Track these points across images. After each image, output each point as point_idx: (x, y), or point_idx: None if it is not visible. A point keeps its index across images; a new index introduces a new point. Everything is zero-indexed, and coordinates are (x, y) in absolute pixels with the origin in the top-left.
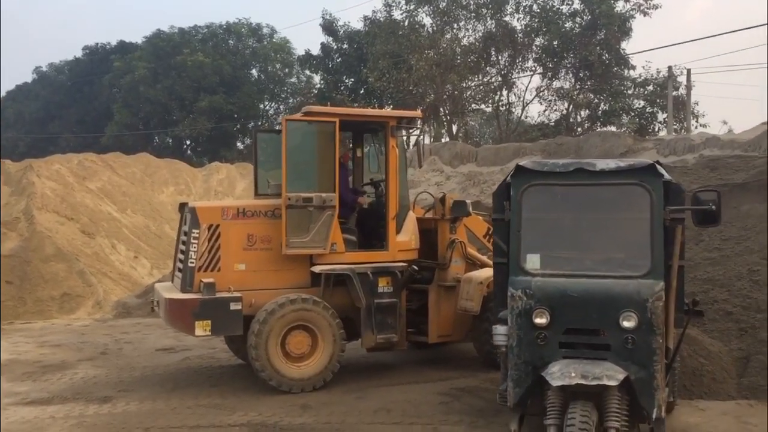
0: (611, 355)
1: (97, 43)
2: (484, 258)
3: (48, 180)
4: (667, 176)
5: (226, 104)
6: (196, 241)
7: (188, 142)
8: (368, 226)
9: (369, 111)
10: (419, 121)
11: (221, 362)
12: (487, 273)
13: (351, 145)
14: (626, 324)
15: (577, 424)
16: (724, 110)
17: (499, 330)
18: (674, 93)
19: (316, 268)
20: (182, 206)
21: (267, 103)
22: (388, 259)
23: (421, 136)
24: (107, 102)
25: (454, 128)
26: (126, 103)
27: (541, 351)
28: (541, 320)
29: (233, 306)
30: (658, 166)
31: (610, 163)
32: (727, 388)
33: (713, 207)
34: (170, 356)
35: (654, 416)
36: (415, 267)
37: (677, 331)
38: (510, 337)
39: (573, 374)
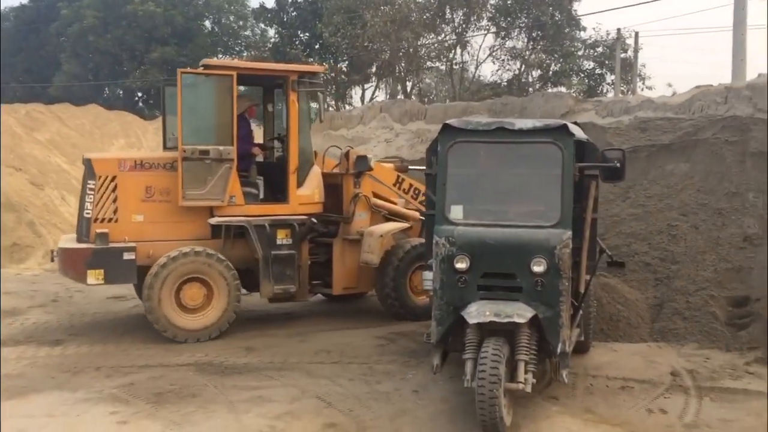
0: (523, 296)
1: None
2: (395, 206)
3: None
4: (581, 136)
5: (178, 56)
6: (92, 192)
7: (140, 95)
8: (273, 180)
9: (269, 65)
10: (322, 76)
11: None
12: (388, 227)
13: (263, 100)
14: (536, 269)
15: (489, 356)
16: (670, 73)
17: (427, 275)
18: (622, 55)
19: (212, 220)
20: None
21: (221, 55)
22: (288, 212)
23: (326, 91)
24: (55, 51)
25: (409, 86)
26: (74, 52)
27: (461, 293)
28: (461, 265)
29: (126, 256)
30: (571, 126)
31: (527, 123)
32: (641, 333)
33: (618, 164)
34: (121, 304)
35: (559, 350)
36: (314, 220)
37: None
38: (434, 280)
39: (488, 313)
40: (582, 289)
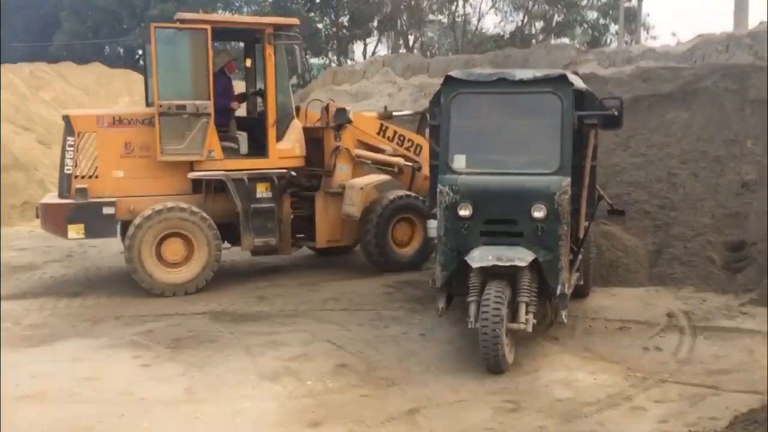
0: (523, 241)
1: None
2: (380, 156)
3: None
4: (580, 85)
5: (178, 12)
6: (72, 149)
7: (140, 52)
8: (255, 135)
9: (244, 18)
10: (297, 29)
11: None
12: (369, 179)
13: (244, 55)
14: (536, 214)
15: (492, 298)
16: (674, 23)
17: (432, 224)
18: (626, 4)
19: (191, 175)
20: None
21: (220, 11)
22: (268, 166)
23: (301, 45)
24: (54, 9)
25: (411, 39)
26: (74, 10)
27: (464, 239)
28: (464, 212)
29: (106, 210)
30: (570, 76)
31: (527, 74)
32: (640, 278)
33: (615, 112)
34: None
35: (558, 292)
36: (293, 173)
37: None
38: (439, 227)
39: (490, 257)
40: (581, 235)
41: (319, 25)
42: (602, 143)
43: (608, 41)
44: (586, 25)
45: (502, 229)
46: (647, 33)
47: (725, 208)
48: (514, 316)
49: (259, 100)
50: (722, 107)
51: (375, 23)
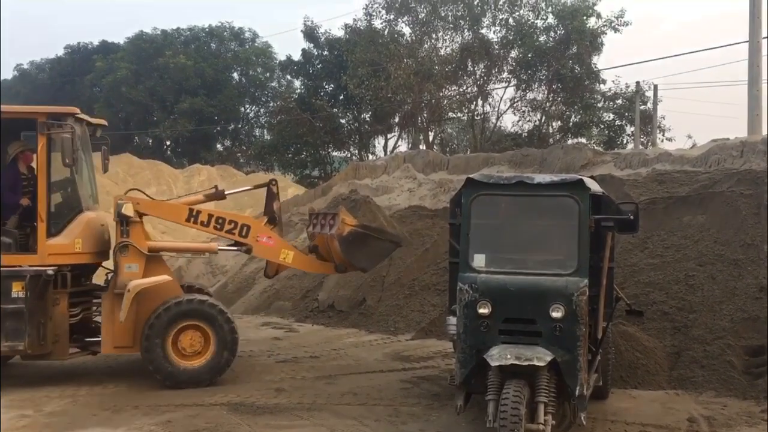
0: (542, 340)
1: (79, 43)
2: (183, 245)
3: None
4: (596, 189)
5: (207, 106)
6: None
7: (168, 143)
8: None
9: (17, 107)
10: (73, 118)
11: None
12: (140, 281)
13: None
14: (555, 314)
15: (511, 398)
16: (689, 125)
17: (451, 321)
18: (641, 107)
19: None
20: None
21: (247, 106)
22: (37, 262)
23: (107, 143)
24: (88, 101)
25: (431, 136)
26: (107, 102)
27: (483, 337)
28: (484, 310)
29: None
30: (586, 181)
31: (546, 177)
32: (659, 380)
33: (631, 217)
34: None
35: (576, 393)
36: (50, 272)
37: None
38: (458, 325)
39: (509, 356)
40: (600, 335)
41: (342, 120)
42: (620, 243)
43: (624, 142)
44: (602, 126)
45: (520, 328)
46: (663, 135)
47: (744, 312)
48: (532, 417)
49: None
50: (738, 211)
51: (396, 119)
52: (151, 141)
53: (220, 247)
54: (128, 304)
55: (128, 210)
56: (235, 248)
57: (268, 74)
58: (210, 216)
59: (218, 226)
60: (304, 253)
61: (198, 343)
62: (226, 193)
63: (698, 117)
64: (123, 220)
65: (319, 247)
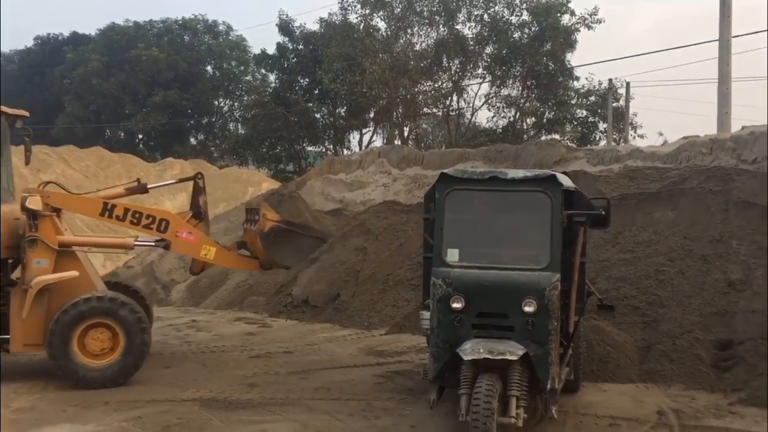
0: (514, 335)
1: (49, 34)
2: (96, 239)
3: None
4: (569, 185)
5: (180, 100)
6: None
7: (141, 137)
8: None
9: None
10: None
11: (173, 347)
12: (49, 276)
13: None
14: (527, 309)
15: (483, 391)
16: (661, 122)
17: (425, 315)
18: (614, 104)
19: None
20: None
21: (221, 99)
22: None
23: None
24: (58, 93)
25: (406, 131)
26: (78, 95)
27: (456, 331)
28: (457, 305)
29: None
30: (559, 176)
31: (519, 173)
32: (630, 374)
33: (603, 212)
34: None
35: (548, 387)
36: None
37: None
38: (432, 319)
39: (482, 350)
40: (571, 330)
41: (317, 115)
42: (592, 239)
43: (597, 138)
44: (575, 123)
45: (493, 323)
46: (635, 132)
47: (712, 306)
48: (504, 410)
49: None
50: (707, 207)
51: (371, 114)
52: (122, 134)
53: (136, 243)
54: (30, 301)
55: (34, 203)
56: (152, 243)
57: (242, 68)
58: (126, 210)
59: (134, 221)
60: (232, 249)
61: (106, 343)
62: (149, 186)
63: (669, 114)
64: (30, 214)
65: (247, 243)
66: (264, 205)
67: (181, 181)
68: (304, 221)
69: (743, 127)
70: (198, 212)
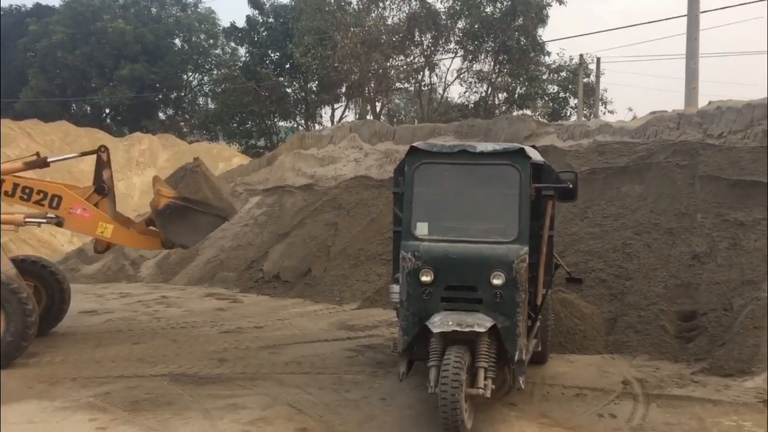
0: (483, 307)
1: (12, 5)
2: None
3: None
4: (537, 159)
5: (147, 73)
6: None
7: (108, 111)
8: None
9: None
10: None
11: (142, 324)
12: None
13: None
14: (495, 281)
15: (452, 363)
16: (630, 98)
17: (394, 288)
18: (585, 80)
19: None
20: None
21: (190, 74)
22: None
23: None
24: (22, 67)
25: (378, 106)
26: (42, 68)
27: (426, 304)
28: (426, 278)
29: None
30: (527, 150)
31: (488, 146)
32: (596, 345)
33: (570, 185)
34: (93, 318)
35: (516, 358)
36: None
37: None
38: (401, 293)
39: (450, 323)
40: (539, 302)
41: (288, 90)
42: (561, 213)
43: (568, 114)
44: (546, 98)
45: (462, 296)
46: (605, 107)
47: (677, 279)
48: (473, 382)
49: None
50: (673, 181)
51: (343, 89)
52: (89, 108)
53: (26, 219)
54: None
55: None
56: (44, 220)
57: (211, 41)
58: (15, 185)
59: (24, 197)
60: (140, 226)
61: None
62: (49, 160)
63: (639, 90)
64: None
65: (153, 220)
66: (158, 180)
67: (83, 154)
68: (203, 198)
69: (710, 102)
70: (101, 187)
